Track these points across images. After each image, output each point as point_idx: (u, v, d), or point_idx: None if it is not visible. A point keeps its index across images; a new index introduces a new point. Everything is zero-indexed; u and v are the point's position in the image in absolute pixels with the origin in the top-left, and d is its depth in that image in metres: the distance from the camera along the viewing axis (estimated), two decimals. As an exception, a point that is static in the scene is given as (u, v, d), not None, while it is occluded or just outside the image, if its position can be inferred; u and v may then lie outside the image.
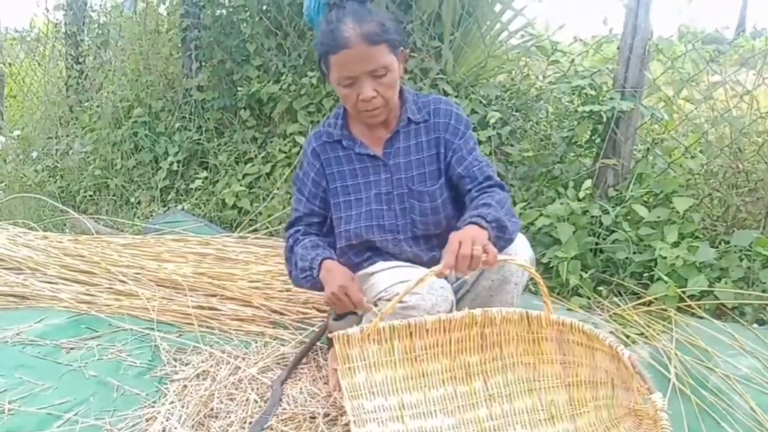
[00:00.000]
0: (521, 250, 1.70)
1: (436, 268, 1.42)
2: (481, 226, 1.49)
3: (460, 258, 1.40)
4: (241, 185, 3.54)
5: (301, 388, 1.87)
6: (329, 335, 1.99)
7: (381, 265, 1.76)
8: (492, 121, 3.00)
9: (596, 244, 2.64)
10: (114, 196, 4.08)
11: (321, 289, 1.74)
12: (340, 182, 1.80)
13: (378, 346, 1.54)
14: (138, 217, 3.75)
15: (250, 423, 1.70)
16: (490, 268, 1.48)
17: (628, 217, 2.66)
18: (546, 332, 1.52)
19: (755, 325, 2.29)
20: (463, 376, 1.56)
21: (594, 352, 1.43)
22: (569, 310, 2.42)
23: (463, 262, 1.40)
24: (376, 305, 1.66)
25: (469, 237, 1.42)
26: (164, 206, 3.83)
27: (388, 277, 1.68)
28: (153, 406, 1.79)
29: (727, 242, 2.55)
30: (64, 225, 3.65)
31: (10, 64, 5.83)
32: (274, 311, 2.34)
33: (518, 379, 1.55)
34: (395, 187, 1.77)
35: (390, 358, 1.55)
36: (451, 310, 1.66)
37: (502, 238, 1.56)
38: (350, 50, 1.61)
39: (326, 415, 1.74)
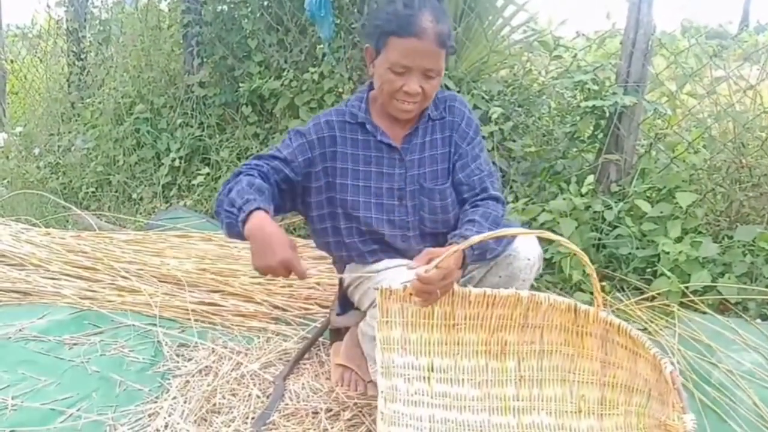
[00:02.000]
0: (525, 248, 1.68)
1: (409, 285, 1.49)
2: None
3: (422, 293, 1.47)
4: (243, 182, 3.53)
5: (303, 384, 1.87)
6: (333, 327, 2.00)
7: (386, 263, 1.74)
8: (494, 116, 2.99)
9: (599, 239, 2.64)
10: (116, 192, 4.08)
11: (236, 235, 1.54)
12: (352, 165, 1.74)
13: (419, 307, 1.53)
14: (140, 214, 3.75)
15: (253, 418, 1.70)
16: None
17: (631, 213, 2.66)
18: (591, 328, 1.50)
19: (758, 321, 2.29)
20: (497, 352, 1.55)
21: (637, 358, 1.42)
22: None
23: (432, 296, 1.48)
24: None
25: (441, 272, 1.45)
26: (166, 202, 3.83)
27: (393, 277, 1.66)
28: (155, 402, 1.79)
29: (731, 237, 2.55)
30: (67, 221, 3.65)
31: (11, 61, 5.83)
32: (276, 307, 2.35)
33: (553, 367, 1.54)
34: (408, 184, 1.74)
35: (428, 320, 1.54)
36: None
37: (483, 258, 1.61)
38: (421, 42, 1.58)
39: (328, 410, 1.74)
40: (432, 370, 1.53)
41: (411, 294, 1.50)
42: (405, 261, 1.74)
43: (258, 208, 1.50)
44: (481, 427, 1.49)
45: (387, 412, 1.42)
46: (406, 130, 1.75)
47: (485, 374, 1.54)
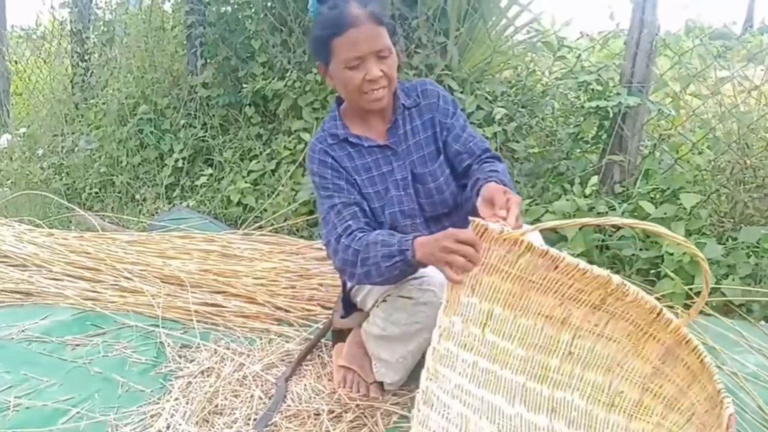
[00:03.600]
0: None
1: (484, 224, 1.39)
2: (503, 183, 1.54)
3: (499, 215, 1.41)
4: (246, 182, 3.54)
5: (305, 385, 1.87)
6: (335, 328, 2.00)
7: None
8: (497, 117, 2.98)
9: (602, 240, 2.62)
10: (119, 193, 4.08)
11: (405, 275, 1.58)
12: (358, 176, 1.76)
13: (505, 253, 1.44)
14: (143, 214, 3.75)
15: (255, 420, 1.70)
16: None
17: (635, 214, 2.64)
18: (663, 335, 1.43)
19: (763, 322, 2.28)
20: (557, 323, 1.50)
21: (694, 382, 1.38)
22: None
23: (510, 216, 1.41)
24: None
25: (501, 190, 1.45)
26: (169, 203, 3.83)
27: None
28: (158, 403, 1.79)
29: (735, 239, 2.53)
30: (70, 222, 3.66)
31: (16, 62, 5.85)
32: (279, 308, 2.34)
33: (604, 355, 1.49)
34: (408, 171, 1.77)
35: (508, 268, 1.47)
36: None
37: None
38: (359, 29, 1.60)
39: (330, 411, 1.74)
40: (490, 318, 1.47)
41: (505, 240, 1.41)
42: None
43: (414, 238, 1.50)
44: (515, 387, 1.46)
45: (440, 348, 1.38)
46: (386, 125, 1.77)
47: (537, 338, 1.49)
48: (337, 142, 1.77)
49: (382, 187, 1.76)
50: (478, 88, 3.24)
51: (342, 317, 1.95)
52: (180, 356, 2.05)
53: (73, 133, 4.71)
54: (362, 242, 1.58)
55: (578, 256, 2.50)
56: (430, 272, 1.63)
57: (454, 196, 1.79)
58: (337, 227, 1.65)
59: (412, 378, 1.89)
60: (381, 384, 1.82)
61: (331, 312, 2.15)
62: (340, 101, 1.81)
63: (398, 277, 1.58)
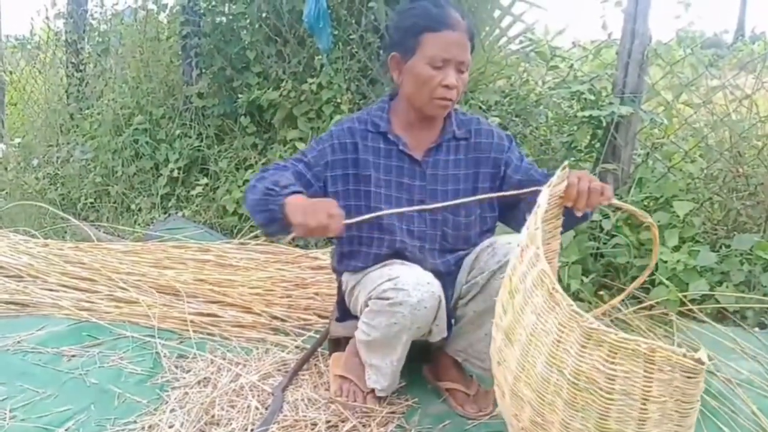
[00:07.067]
0: None
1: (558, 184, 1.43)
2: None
3: (580, 192, 1.46)
4: (241, 192, 3.54)
5: (302, 395, 1.87)
6: (332, 337, 2.00)
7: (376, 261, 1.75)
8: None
9: (597, 248, 2.64)
10: (115, 203, 4.08)
11: (272, 211, 1.56)
12: (374, 172, 1.74)
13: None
14: (139, 224, 3.75)
15: (252, 430, 1.70)
16: (604, 202, 1.50)
17: (629, 222, 2.66)
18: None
19: (756, 329, 2.29)
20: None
21: None
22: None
23: (581, 198, 1.46)
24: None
25: (586, 175, 1.47)
26: (165, 213, 3.83)
27: (378, 276, 1.68)
28: (154, 414, 1.79)
29: (728, 246, 2.55)
30: (65, 232, 3.65)
31: (10, 72, 5.84)
32: (275, 317, 2.34)
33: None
34: (429, 197, 1.74)
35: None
36: (438, 306, 1.65)
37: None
38: (456, 33, 1.64)
39: (327, 421, 1.74)
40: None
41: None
42: (395, 260, 1.73)
43: (295, 192, 1.58)
44: None
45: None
46: (429, 144, 1.76)
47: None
48: (375, 133, 1.76)
49: (395, 195, 1.74)
50: (472, 97, 3.26)
51: (337, 320, 1.95)
52: (176, 366, 2.04)
53: (68, 143, 4.70)
54: (264, 172, 1.69)
55: (573, 263, 2.53)
56: (404, 272, 1.64)
57: (476, 236, 1.78)
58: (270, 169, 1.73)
59: (409, 388, 1.90)
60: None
61: (327, 321, 2.15)
62: (392, 96, 1.80)
63: (262, 220, 1.61)
